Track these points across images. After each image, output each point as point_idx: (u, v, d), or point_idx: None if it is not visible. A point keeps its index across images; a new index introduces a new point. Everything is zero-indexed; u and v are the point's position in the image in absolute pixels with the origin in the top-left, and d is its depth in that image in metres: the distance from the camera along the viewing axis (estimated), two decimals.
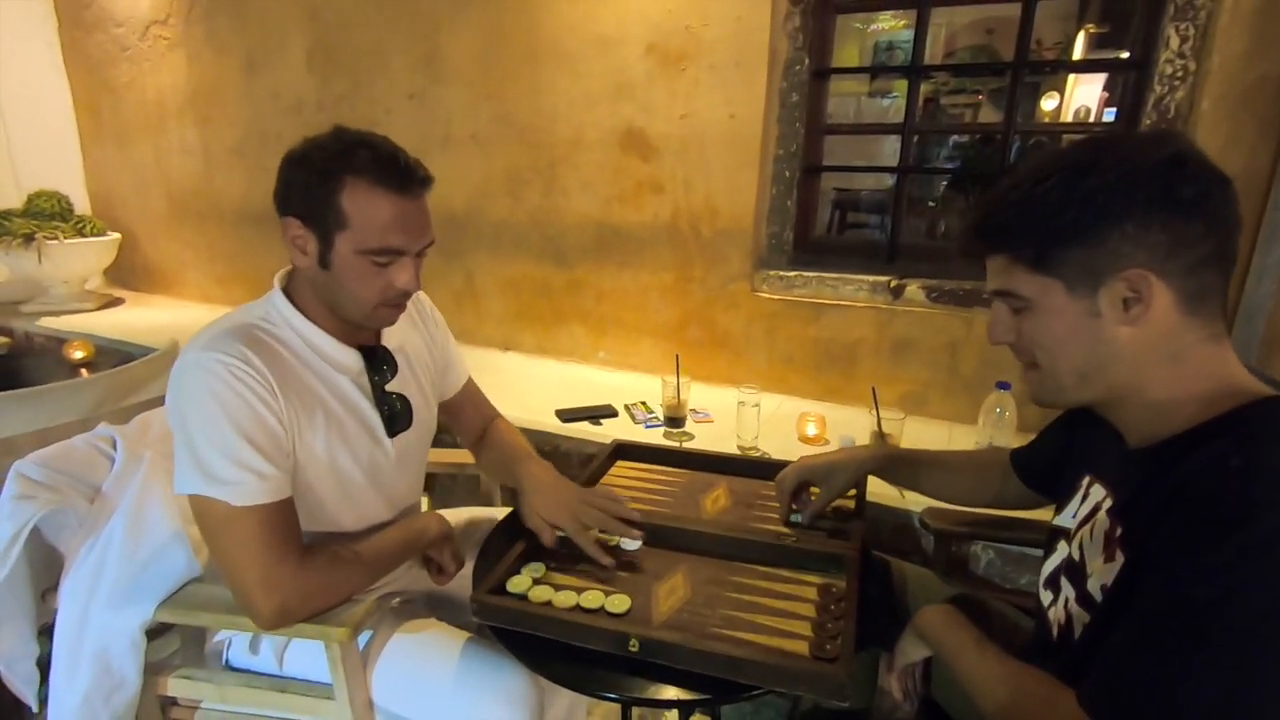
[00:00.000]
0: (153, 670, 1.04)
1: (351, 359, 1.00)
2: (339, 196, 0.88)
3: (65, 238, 2.79)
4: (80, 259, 2.90)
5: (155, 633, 1.03)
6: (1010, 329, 0.73)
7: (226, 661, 1.09)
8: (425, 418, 1.14)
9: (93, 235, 2.92)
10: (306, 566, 0.90)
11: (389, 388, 1.05)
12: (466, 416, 1.30)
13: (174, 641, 1.18)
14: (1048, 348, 0.70)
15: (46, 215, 2.82)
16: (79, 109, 3.21)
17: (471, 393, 1.31)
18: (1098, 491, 0.76)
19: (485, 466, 1.30)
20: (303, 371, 0.96)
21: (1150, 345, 0.66)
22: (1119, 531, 0.69)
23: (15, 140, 3.04)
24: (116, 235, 3.03)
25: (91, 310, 2.93)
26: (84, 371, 2.02)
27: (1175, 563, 0.60)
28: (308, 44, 2.52)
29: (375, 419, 1.03)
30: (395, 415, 1.05)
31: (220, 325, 0.93)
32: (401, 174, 0.90)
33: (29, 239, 2.70)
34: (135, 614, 0.97)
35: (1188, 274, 0.64)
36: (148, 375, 1.76)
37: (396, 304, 0.97)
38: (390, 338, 1.07)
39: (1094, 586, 0.71)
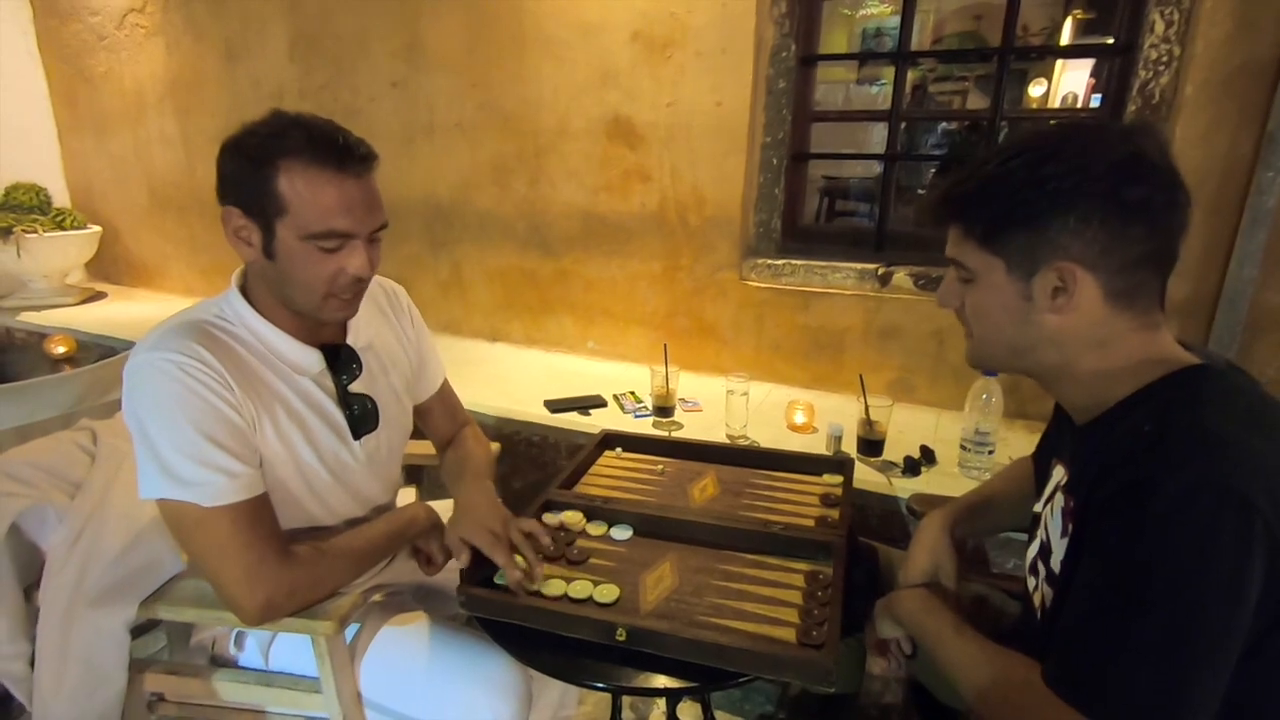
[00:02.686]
0: (138, 667, 1.03)
1: (312, 360, 0.97)
2: (276, 181, 0.84)
3: (44, 231, 2.74)
4: (60, 252, 2.85)
5: (140, 629, 1.03)
6: (957, 296, 0.77)
7: (212, 657, 1.08)
8: (396, 416, 1.10)
9: (72, 228, 2.86)
10: (290, 561, 0.88)
11: (354, 388, 1.02)
12: (436, 420, 1.25)
13: (160, 638, 1.17)
14: (982, 320, 0.75)
15: (24, 208, 2.77)
16: (55, 99, 3.15)
17: (445, 396, 1.26)
18: (1059, 472, 0.78)
19: (443, 473, 1.24)
20: (261, 370, 0.93)
21: (1076, 333, 0.69)
22: (1071, 505, 0.71)
23: None
24: (97, 228, 2.98)
25: (73, 304, 2.88)
26: (66, 367, 1.99)
27: (1106, 531, 0.62)
28: (289, 32, 2.48)
29: (340, 420, 1.00)
30: (362, 416, 1.02)
31: (171, 322, 0.90)
32: (339, 151, 0.85)
33: (7, 233, 2.65)
34: (119, 611, 0.96)
35: (1119, 272, 0.66)
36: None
37: (351, 293, 0.92)
38: (358, 336, 1.03)
39: (1056, 563, 0.72)
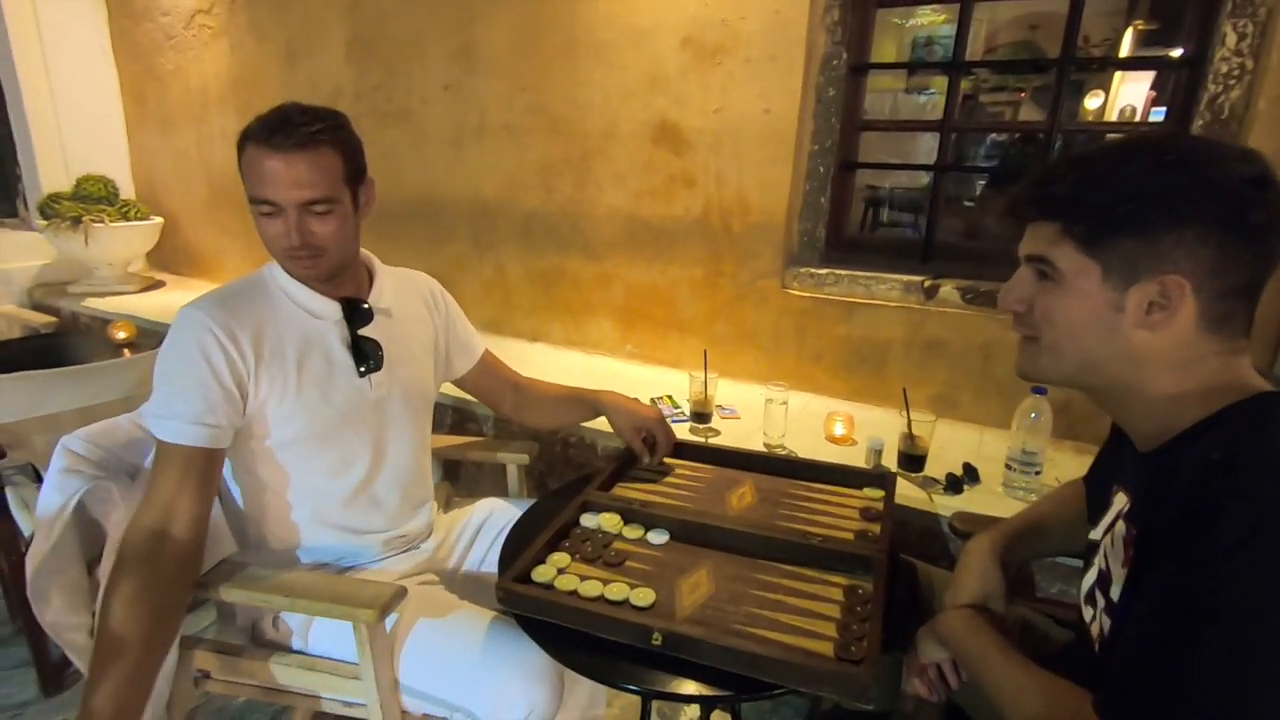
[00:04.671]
0: (188, 644, 1.07)
1: (330, 309, 1.09)
2: (242, 159, 1.00)
3: (111, 221, 2.86)
4: (124, 242, 2.98)
5: (189, 607, 1.06)
6: (1026, 298, 0.72)
7: (253, 638, 1.12)
8: (410, 371, 1.19)
9: (136, 219, 2.99)
10: (134, 560, 0.92)
11: (364, 332, 1.11)
12: (489, 382, 1.40)
13: (205, 617, 1.21)
14: (1060, 327, 0.69)
15: (93, 199, 2.90)
16: (126, 96, 3.30)
17: (490, 362, 1.40)
18: (1120, 499, 0.76)
19: (541, 417, 1.41)
20: (282, 320, 1.06)
21: (1160, 351, 0.65)
22: (1133, 534, 0.68)
23: (65, 125, 3.13)
24: (159, 219, 3.10)
25: (134, 292, 3.01)
26: (126, 352, 2.07)
27: (1168, 560, 0.60)
28: (346, 34, 2.55)
29: (349, 360, 1.10)
30: (366, 356, 1.10)
31: (220, 288, 1.07)
32: (271, 130, 0.97)
33: (76, 222, 2.78)
34: None
35: (1221, 296, 0.63)
36: None
37: (304, 255, 1.03)
38: (379, 298, 1.15)
39: (1115, 593, 0.70)
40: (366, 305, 1.12)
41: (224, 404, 0.98)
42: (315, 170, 0.99)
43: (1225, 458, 0.59)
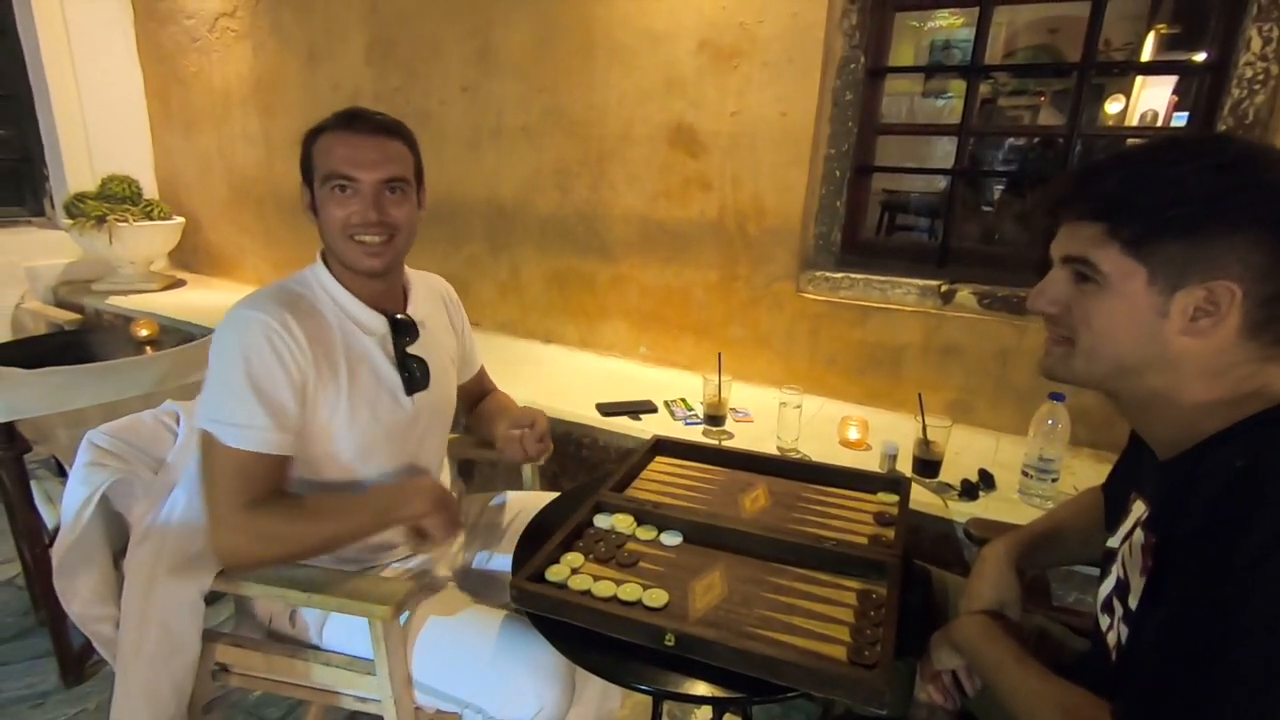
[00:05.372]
0: (209, 637, 1.08)
1: (378, 323, 1.09)
2: (312, 149, 1.04)
3: (134, 220, 2.91)
4: (147, 241, 3.03)
5: (207, 600, 1.08)
6: (1061, 300, 0.69)
7: (269, 632, 1.13)
8: (444, 384, 1.20)
9: (159, 219, 3.04)
10: (262, 512, 0.94)
11: (410, 350, 1.12)
12: (468, 392, 1.40)
13: (223, 610, 1.22)
14: (1098, 331, 0.67)
15: (118, 198, 2.95)
16: (150, 97, 3.36)
17: (480, 376, 1.42)
18: (1138, 507, 0.75)
19: (473, 422, 1.42)
20: (333, 332, 1.05)
21: (1199, 358, 0.64)
22: (1152, 542, 0.68)
23: (91, 126, 3.19)
24: (181, 219, 3.15)
25: (156, 290, 3.06)
26: (149, 349, 2.10)
27: (1190, 569, 0.59)
28: (367, 37, 2.58)
29: (396, 379, 1.09)
30: (414, 376, 1.11)
31: (272, 288, 1.06)
32: (350, 117, 1.03)
33: (101, 220, 2.83)
34: (195, 582, 1.01)
35: (1266, 302, 0.61)
36: (208, 354, 1.83)
37: (371, 237, 1.03)
38: (416, 309, 1.15)
39: (1134, 602, 0.69)
40: (410, 320, 1.12)
41: (295, 407, 0.98)
42: (392, 153, 1.04)
43: (1249, 466, 0.58)
